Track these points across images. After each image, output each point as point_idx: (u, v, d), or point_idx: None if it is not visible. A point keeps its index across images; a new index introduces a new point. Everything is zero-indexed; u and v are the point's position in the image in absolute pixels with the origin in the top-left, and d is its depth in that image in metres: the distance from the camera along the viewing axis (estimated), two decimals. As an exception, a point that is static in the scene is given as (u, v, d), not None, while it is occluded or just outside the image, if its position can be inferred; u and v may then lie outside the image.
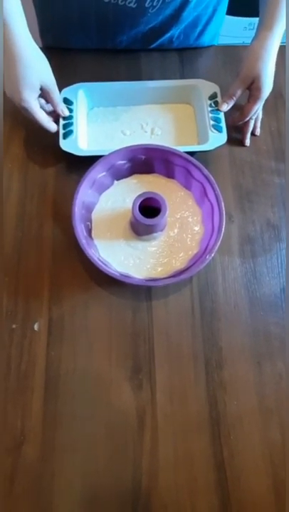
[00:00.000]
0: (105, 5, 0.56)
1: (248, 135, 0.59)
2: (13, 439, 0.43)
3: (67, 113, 0.54)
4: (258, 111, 0.58)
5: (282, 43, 0.54)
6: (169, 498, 0.42)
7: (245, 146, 0.59)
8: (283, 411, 0.46)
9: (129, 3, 0.55)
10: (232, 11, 0.73)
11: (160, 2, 0.55)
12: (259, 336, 0.49)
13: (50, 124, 0.53)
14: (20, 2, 0.47)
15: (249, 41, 0.56)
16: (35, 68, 0.48)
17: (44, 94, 0.51)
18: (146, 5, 0.55)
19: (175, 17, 0.59)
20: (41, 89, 0.50)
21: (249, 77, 0.53)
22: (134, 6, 0.55)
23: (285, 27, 0.53)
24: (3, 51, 0.46)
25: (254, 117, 0.58)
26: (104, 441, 0.44)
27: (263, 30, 0.53)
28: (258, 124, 0.60)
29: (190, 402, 0.46)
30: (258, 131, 0.60)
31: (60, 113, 0.54)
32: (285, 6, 0.51)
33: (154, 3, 0.55)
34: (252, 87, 0.54)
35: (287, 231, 0.54)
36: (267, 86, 0.54)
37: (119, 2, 0.55)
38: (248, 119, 0.57)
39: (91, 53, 0.64)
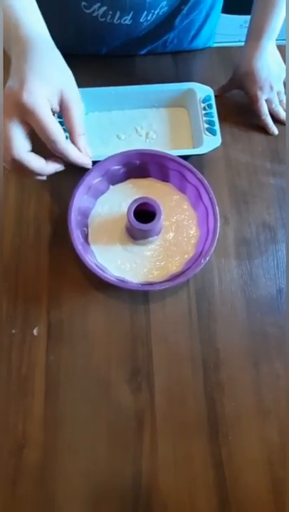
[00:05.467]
0: (100, 23, 0.56)
1: (270, 126, 0.59)
2: (15, 441, 0.44)
3: (89, 162, 0.40)
4: (270, 101, 0.58)
5: (281, 39, 0.55)
6: (169, 497, 0.43)
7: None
8: (281, 411, 0.46)
9: (124, 20, 0.55)
10: (227, 9, 0.72)
11: (154, 16, 0.56)
12: (256, 337, 0.49)
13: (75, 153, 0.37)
14: None
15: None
16: (56, 66, 0.34)
17: (62, 110, 0.36)
18: (141, 20, 0.56)
19: (168, 24, 0.60)
20: (60, 103, 0.35)
21: (238, 74, 0.56)
22: (129, 23, 0.56)
23: (275, 34, 0.54)
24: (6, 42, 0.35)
25: (272, 107, 0.59)
26: (105, 443, 0.45)
27: (250, 41, 0.55)
28: (280, 109, 0.59)
29: (188, 404, 0.46)
30: (282, 116, 0.60)
31: (82, 149, 0.38)
32: (276, 19, 0.53)
33: (149, 18, 0.55)
34: (245, 84, 0.56)
35: (287, 231, 0.54)
36: (265, 74, 0.55)
37: (115, 21, 0.55)
38: (264, 117, 0.59)
39: (85, 58, 0.64)
